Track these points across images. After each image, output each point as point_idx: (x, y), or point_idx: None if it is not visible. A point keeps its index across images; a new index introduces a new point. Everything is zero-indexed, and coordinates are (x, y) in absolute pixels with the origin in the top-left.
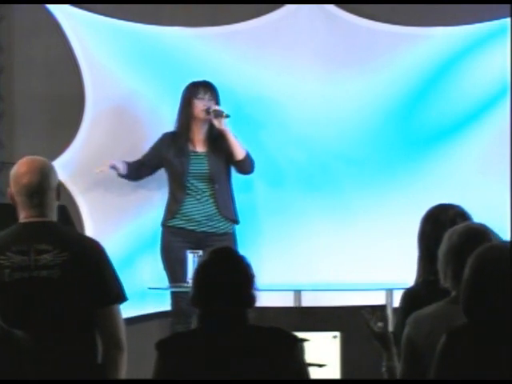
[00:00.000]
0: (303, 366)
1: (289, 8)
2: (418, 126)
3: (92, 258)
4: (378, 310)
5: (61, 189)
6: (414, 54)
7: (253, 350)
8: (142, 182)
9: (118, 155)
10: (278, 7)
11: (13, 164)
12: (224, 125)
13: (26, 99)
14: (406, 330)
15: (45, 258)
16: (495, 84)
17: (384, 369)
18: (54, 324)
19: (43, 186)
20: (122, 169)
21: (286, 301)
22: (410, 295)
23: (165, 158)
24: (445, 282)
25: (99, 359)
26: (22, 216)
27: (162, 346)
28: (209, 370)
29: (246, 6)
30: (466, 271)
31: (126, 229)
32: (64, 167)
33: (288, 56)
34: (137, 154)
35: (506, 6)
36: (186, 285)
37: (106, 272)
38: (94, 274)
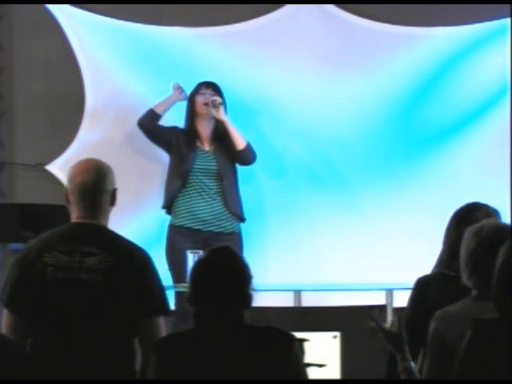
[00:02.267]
0: (301, 366)
1: (289, 8)
2: (417, 126)
3: (138, 266)
4: (386, 311)
5: (116, 194)
6: (414, 54)
7: (250, 350)
8: (143, 181)
9: (118, 155)
10: (278, 7)
11: (13, 164)
12: (222, 115)
13: (26, 99)
14: (435, 327)
15: (89, 260)
16: (495, 84)
17: (400, 369)
18: (92, 327)
19: (97, 187)
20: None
21: (286, 301)
22: (422, 284)
23: (173, 147)
24: (469, 278)
25: (137, 367)
26: (74, 216)
27: (158, 346)
28: (205, 370)
29: (245, 5)
30: (499, 263)
31: (126, 228)
32: (64, 167)
33: (288, 56)
34: (137, 154)
35: (506, 6)
36: (186, 285)
37: (150, 282)
38: (138, 284)
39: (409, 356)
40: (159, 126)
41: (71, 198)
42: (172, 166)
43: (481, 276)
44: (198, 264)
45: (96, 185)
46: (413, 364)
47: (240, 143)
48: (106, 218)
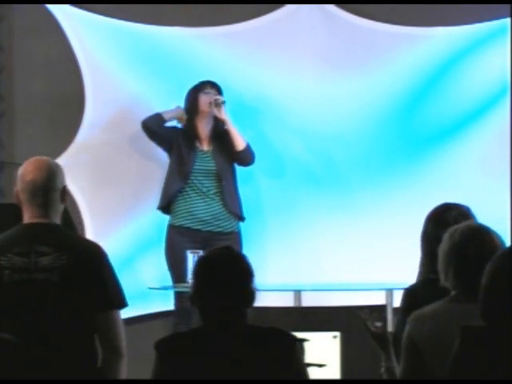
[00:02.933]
0: (302, 367)
1: (289, 8)
2: (417, 126)
3: (92, 262)
4: (376, 311)
5: (67, 191)
6: (414, 54)
7: (252, 350)
8: (142, 181)
9: (118, 155)
10: (278, 7)
11: (13, 164)
12: (223, 114)
13: (26, 99)
14: (407, 329)
15: (45, 260)
16: (495, 84)
17: (383, 369)
18: (51, 327)
19: (48, 185)
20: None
21: (286, 301)
22: (410, 294)
23: (174, 148)
24: (446, 280)
25: (99, 364)
26: (26, 216)
27: (160, 346)
28: (206, 370)
29: (245, 5)
30: (484, 275)
31: (126, 228)
32: (64, 167)
33: (288, 56)
34: (137, 154)
35: (506, 6)
36: (186, 285)
37: (106, 277)
38: (94, 279)
39: (393, 356)
40: (162, 128)
41: (21, 197)
42: (172, 167)
43: (455, 277)
44: (201, 262)
45: (46, 183)
46: (396, 365)
47: (240, 144)
48: (58, 215)
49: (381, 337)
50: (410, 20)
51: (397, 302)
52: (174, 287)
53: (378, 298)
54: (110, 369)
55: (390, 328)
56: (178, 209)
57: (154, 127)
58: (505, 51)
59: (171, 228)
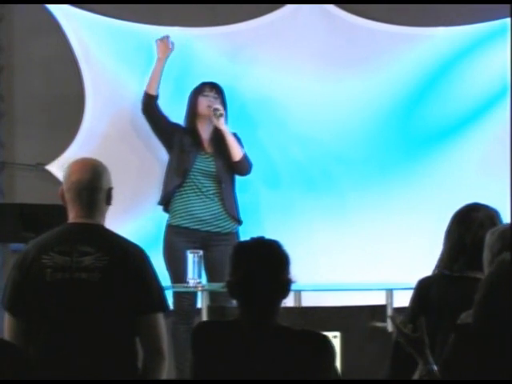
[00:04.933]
0: (334, 369)
1: (289, 8)
2: (417, 126)
3: (134, 264)
4: (402, 310)
5: (112, 193)
6: (414, 54)
7: (283, 351)
8: (142, 181)
9: (118, 155)
10: (278, 7)
11: (13, 164)
12: (222, 124)
13: (26, 99)
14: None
15: (86, 260)
16: (495, 84)
17: (423, 373)
18: (91, 327)
19: (93, 185)
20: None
21: (285, 301)
22: (423, 285)
23: (175, 145)
24: None
25: (139, 366)
26: (70, 216)
27: (195, 333)
28: (237, 361)
29: (245, 5)
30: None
31: (126, 228)
32: (64, 167)
33: (288, 56)
34: (137, 154)
35: (506, 6)
36: (186, 285)
37: (147, 279)
38: (135, 281)
39: (431, 359)
40: (163, 116)
41: (67, 196)
42: (171, 164)
43: None
44: (238, 252)
45: (92, 183)
46: (435, 367)
47: (236, 154)
48: (103, 216)
49: (417, 340)
50: (410, 20)
51: (397, 302)
52: (173, 287)
53: (378, 298)
54: (153, 370)
55: (390, 328)
56: (176, 208)
57: (148, 109)
58: (505, 51)
59: (169, 228)
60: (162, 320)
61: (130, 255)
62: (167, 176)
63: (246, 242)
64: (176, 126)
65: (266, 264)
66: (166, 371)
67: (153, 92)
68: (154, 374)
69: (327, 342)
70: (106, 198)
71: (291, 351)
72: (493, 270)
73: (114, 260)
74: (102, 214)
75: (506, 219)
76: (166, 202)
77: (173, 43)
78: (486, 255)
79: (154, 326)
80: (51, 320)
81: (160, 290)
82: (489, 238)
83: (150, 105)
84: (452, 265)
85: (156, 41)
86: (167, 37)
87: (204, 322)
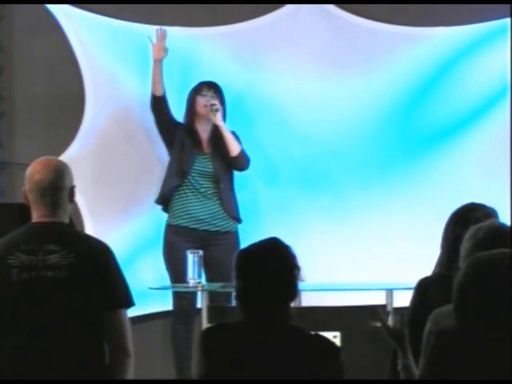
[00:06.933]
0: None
1: (289, 8)
2: (417, 126)
3: (99, 260)
4: (402, 310)
5: (75, 191)
6: (414, 54)
7: (292, 354)
8: (142, 181)
9: (118, 154)
10: (278, 7)
11: (13, 164)
12: (219, 120)
13: (26, 99)
14: (428, 326)
15: (52, 258)
16: (495, 84)
17: (400, 366)
18: (59, 325)
19: (56, 185)
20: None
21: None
22: (422, 285)
23: (175, 145)
24: None
25: (107, 362)
26: (34, 216)
27: (204, 336)
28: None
29: (245, 5)
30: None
31: (126, 228)
32: None
33: (288, 56)
34: (137, 154)
35: (506, 6)
36: (186, 285)
37: (113, 275)
38: (101, 277)
39: (409, 354)
40: (170, 115)
41: (30, 196)
42: (171, 164)
43: None
44: (243, 255)
45: (54, 182)
46: (412, 362)
47: (234, 150)
48: (67, 215)
49: (397, 333)
50: (410, 20)
51: (397, 302)
52: (173, 287)
53: (378, 298)
54: (117, 368)
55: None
56: (174, 208)
57: (155, 109)
58: (505, 51)
59: (168, 227)
60: (126, 317)
61: (94, 252)
62: (166, 176)
63: (250, 246)
64: (179, 125)
65: (272, 267)
66: (133, 370)
67: (158, 93)
68: (119, 372)
69: (338, 353)
70: (69, 197)
71: (299, 354)
72: (463, 270)
73: (79, 257)
74: (66, 213)
75: (505, 219)
76: (163, 202)
77: (167, 49)
78: (461, 253)
79: (118, 323)
80: (19, 320)
81: (125, 286)
82: (466, 233)
83: (158, 104)
84: (449, 265)
85: (151, 42)
86: (163, 31)
87: (212, 325)
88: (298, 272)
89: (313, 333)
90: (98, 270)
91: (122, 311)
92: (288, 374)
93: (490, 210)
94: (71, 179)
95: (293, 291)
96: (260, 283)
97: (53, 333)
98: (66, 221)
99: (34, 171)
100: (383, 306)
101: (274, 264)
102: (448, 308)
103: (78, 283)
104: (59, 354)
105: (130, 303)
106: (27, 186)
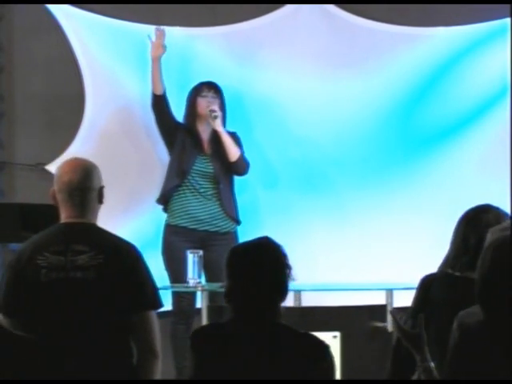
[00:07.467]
0: (331, 376)
1: (289, 8)
2: (417, 126)
3: (128, 261)
4: (402, 310)
5: (103, 191)
6: (414, 54)
7: (281, 352)
8: (142, 181)
9: (118, 154)
10: (278, 7)
11: (13, 164)
12: (218, 126)
13: (26, 99)
14: (454, 325)
15: (81, 258)
16: (495, 84)
17: (420, 369)
18: (87, 325)
19: (84, 185)
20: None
21: (286, 301)
22: (426, 282)
23: (176, 146)
24: None
25: (134, 363)
26: (63, 216)
27: (194, 336)
28: (234, 363)
29: (245, 5)
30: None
31: (126, 228)
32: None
33: (288, 56)
34: (137, 154)
35: (506, 6)
36: (186, 284)
37: (141, 277)
38: (129, 278)
39: (429, 356)
40: (170, 114)
41: (58, 197)
42: (171, 164)
43: None
44: (236, 255)
45: (83, 183)
46: (432, 364)
47: (233, 155)
48: (95, 215)
49: (416, 336)
50: (410, 20)
51: (397, 302)
52: (173, 287)
53: (378, 298)
54: (145, 369)
55: (390, 328)
56: (174, 208)
57: (155, 109)
58: (505, 51)
59: (168, 227)
60: (155, 318)
61: (123, 253)
62: (167, 176)
63: (241, 245)
64: (180, 125)
65: (262, 266)
66: (161, 370)
67: (158, 92)
68: (147, 373)
69: (327, 352)
70: (98, 197)
71: (288, 352)
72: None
73: (108, 258)
74: (95, 213)
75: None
76: (164, 202)
77: (165, 46)
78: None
79: (147, 324)
80: (46, 320)
81: (153, 287)
82: (489, 236)
83: (158, 103)
84: (455, 264)
85: (150, 40)
86: (161, 30)
87: (203, 325)
88: (289, 271)
89: (302, 331)
90: (127, 271)
91: (151, 312)
92: (277, 372)
93: (502, 213)
94: (100, 180)
95: (283, 290)
96: (250, 282)
97: (80, 333)
98: (95, 221)
99: (63, 172)
100: (383, 306)
101: (265, 263)
102: (475, 308)
103: (107, 284)
104: (86, 353)
105: (158, 304)
106: (56, 186)
